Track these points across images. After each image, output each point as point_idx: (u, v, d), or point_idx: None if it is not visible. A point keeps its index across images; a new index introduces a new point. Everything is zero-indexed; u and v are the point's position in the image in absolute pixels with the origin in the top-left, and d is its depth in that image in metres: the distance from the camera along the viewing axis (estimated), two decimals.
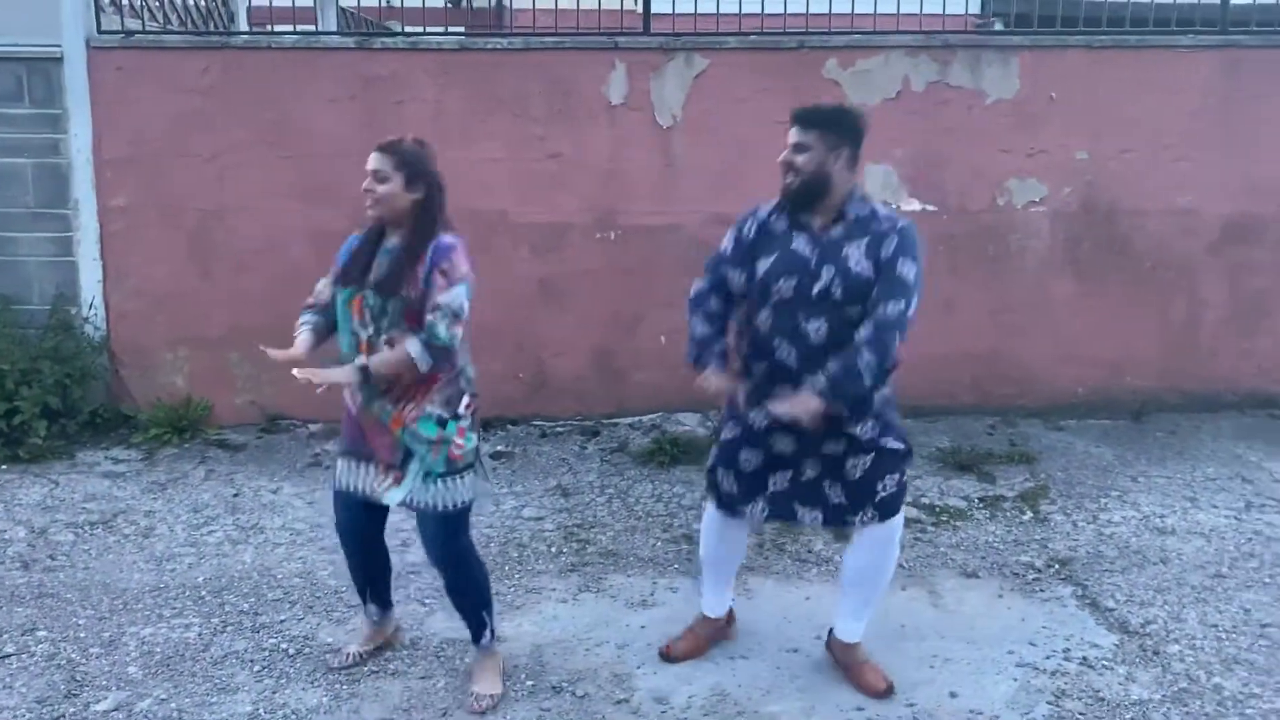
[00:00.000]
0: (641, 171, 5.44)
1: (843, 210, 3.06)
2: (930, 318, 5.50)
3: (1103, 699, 3.21)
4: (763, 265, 3.08)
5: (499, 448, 5.32)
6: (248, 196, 5.51)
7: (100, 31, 5.44)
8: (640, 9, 5.42)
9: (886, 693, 3.25)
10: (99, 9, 5.44)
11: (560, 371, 5.62)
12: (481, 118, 5.39)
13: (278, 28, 5.85)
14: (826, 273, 3.00)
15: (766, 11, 5.42)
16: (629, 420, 5.60)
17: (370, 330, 3.03)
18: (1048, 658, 3.46)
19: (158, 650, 3.54)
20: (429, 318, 2.94)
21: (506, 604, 3.86)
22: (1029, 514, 4.59)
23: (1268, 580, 3.97)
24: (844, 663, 3.36)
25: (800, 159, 3.03)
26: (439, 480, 3.07)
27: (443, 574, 3.22)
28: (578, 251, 5.53)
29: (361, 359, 3.00)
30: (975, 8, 7.32)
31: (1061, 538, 4.37)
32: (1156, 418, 5.55)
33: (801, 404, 2.96)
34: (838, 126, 3.05)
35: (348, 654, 3.46)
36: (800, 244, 3.06)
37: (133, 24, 5.55)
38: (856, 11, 5.47)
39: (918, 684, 3.31)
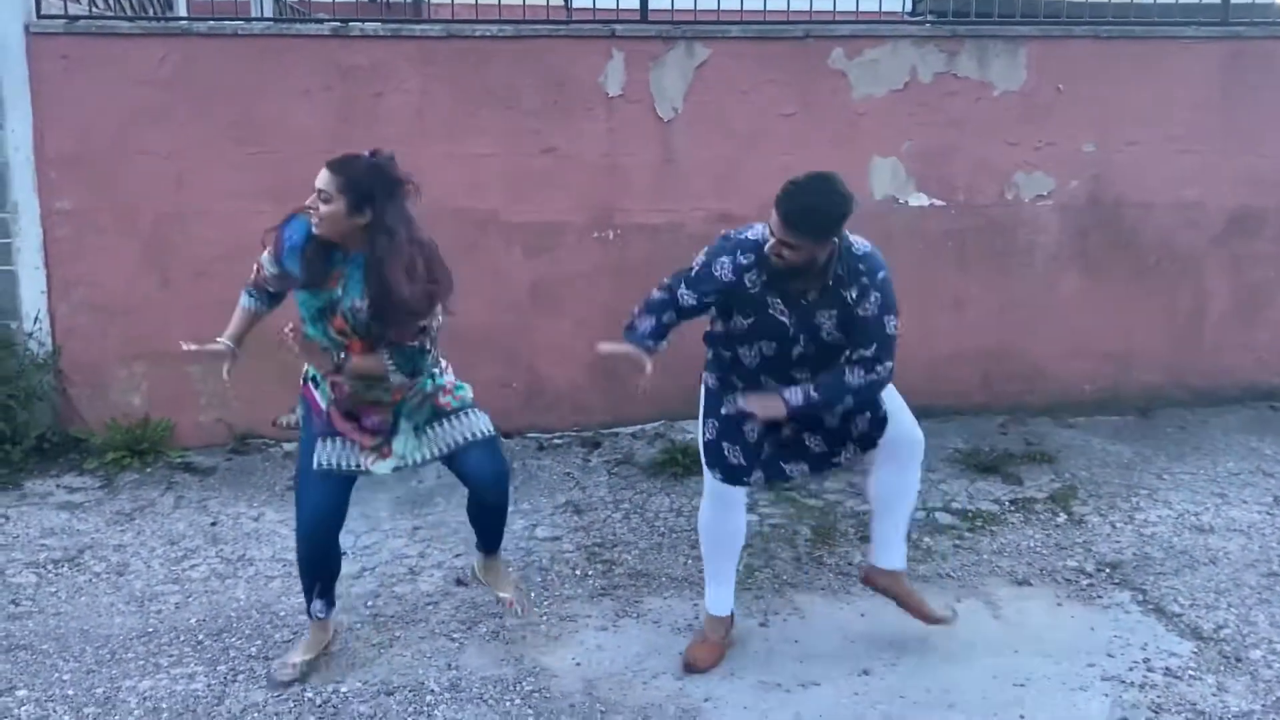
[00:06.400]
0: (641, 167, 5.15)
1: (820, 279, 3.04)
2: (939, 315, 5.40)
3: (1202, 713, 3.05)
4: (740, 321, 3.11)
5: None
6: (211, 197, 5.05)
7: (40, 16, 4.93)
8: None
9: (948, 620, 3.40)
10: None
11: (556, 380, 5.30)
12: (470, 111, 5.03)
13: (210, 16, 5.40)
14: (803, 339, 3.08)
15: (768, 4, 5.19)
16: (631, 430, 5.30)
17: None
18: (1130, 669, 3.29)
19: (164, 707, 3.14)
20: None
21: (542, 635, 3.56)
22: (1063, 516, 4.44)
23: None
24: (893, 592, 3.41)
25: (789, 255, 2.95)
26: (462, 414, 3.19)
27: (494, 497, 3.30)
28: (573, 252, 5.20)
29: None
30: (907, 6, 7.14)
31: (1103, 540, 4.23)
32: (1164, 413, 5.47)
33: (768, 407, 3.07)
34: (828, 230, 2.94)
35: (293, 664, 3.25)
36: (776, 310, 3.07)
37: (76, 9, 5.04)
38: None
39: (1007, 704, 3.11)
